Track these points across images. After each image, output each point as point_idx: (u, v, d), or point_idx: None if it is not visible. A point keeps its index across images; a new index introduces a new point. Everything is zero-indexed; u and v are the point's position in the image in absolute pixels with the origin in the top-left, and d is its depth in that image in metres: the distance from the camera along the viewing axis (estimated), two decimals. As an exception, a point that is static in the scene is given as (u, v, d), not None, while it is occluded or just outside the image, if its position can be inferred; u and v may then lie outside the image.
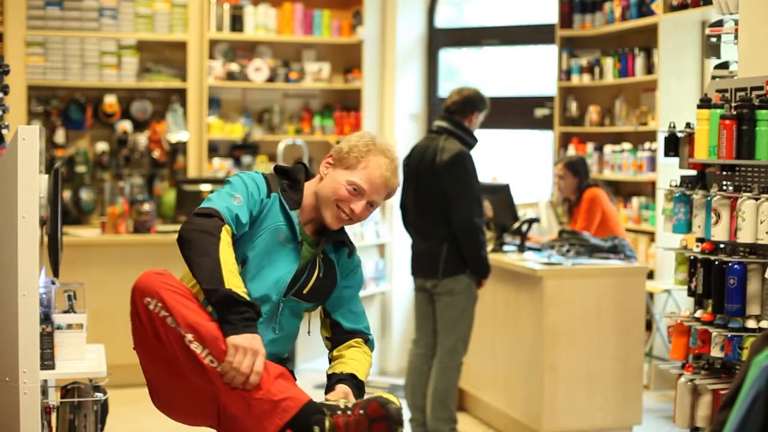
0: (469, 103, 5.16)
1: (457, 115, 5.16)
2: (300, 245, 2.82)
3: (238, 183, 2.78)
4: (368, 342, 2.92)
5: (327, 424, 2.53)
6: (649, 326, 6.47)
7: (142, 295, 2.56)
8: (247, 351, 2.51)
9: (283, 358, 2.90)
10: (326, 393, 2.77)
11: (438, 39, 8.11)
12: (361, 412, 2.55)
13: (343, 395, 2.69)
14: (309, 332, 2.98)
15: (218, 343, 2.53)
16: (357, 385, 2.77)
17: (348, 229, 3.05)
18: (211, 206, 2.68)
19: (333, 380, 2.79)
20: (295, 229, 2.81)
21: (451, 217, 5.03)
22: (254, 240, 2.76)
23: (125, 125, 7.46)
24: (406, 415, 5.36)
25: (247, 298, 2.58)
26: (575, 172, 6.28)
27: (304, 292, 2.84)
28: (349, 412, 2.55)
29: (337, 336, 2.91)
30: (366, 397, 2.62)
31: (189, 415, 2.83)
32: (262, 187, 2.81)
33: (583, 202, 6.20)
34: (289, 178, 2.88)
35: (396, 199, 6.28)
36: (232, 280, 2.57)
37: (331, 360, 2.91)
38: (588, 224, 6.11)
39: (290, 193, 2.84)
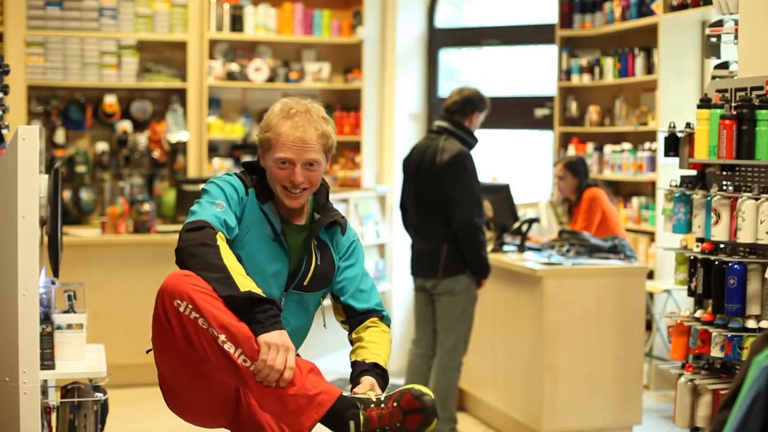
0: (469, 103, 5.16)
1: (458, 115, 5.16)
2: (283, 236, 2.82)
3: (214, 190, 2.77)
4: (384, 319, 2.90)
5: (362, 417, 2.54)
6: (649, 326, 6.47)
7: (172, 298, 2.54)
8: (279, 348, 2.52)
9: None
10: (351, 381, 2.77)
11: (438, 39, 8.11)
12: (395, 404, 2.54)
13: (370, 387, 2.68)
14: (325, 326, 2.98)
15: (251, 342, 2.53)
16: (380, 374, 2.76)
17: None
18: (197, 219, 2.68)
19: (356, 370, 2.78)
20: (272, 221, 2.81)
21: (451, 217, 5.04)
22: (242, 239, 2.76)
23: (125, 125, 7.46)
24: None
25: (266, 296, 2.59)
26: (575, 172, 6.28)
27: (305, 283, 2.84)
28: (382, 405, 2.55)
29: (351, 319, 2.90)
30: (400, 388, 2.62)
31: (203, 416, 2.82)
32: (239, 186, 2.81)
33: (583, 202, 6.20)
34: (258, 172, 2.88)
35: (396, 199, 6.28)
36: (245, 282, 2.58)
37: (351, 342, 2.89)
38: (588, 224, 6.11)
39: (260, 186, 2.85)
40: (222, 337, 2.52)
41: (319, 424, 2.58)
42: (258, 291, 2.58)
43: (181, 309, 2.53)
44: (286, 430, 2.80)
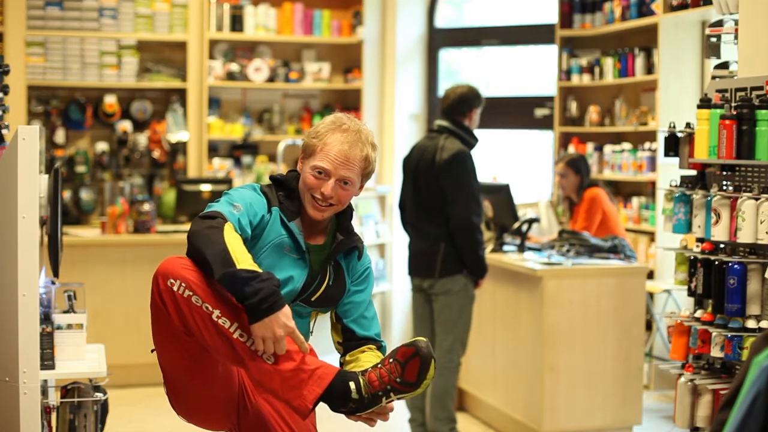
0: (466, 101, 5.16)
1: (457, 115, 5.16)
2: (307, 254, 2.80)
3: (237, 194, 2.76)
4: (381, 348, 2.89)
5: (361, 381, 2.54)
6: (649, 326, 6.47)
7: (165, 278, 2.54)
8: (270, 339, 2.48)
9: None
10: None
11: (438, 39, 8.11)
12: (391, 360, 2.55)
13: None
14: (311, 331, 2.96)
15: (244, 314, 2.52)
16: None
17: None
18: (212, 210, 2.67)
19: None
20: (297, 240, 2.78)
21: (450, 216, 5.03)
22: (259, 256, 2.73)
23: (125, 125, 7.46)
24: (405, 415, 5.36)
25: (257, 271, 2.52)
26: (577, 169, 6.28)
27: (313, 299, 2.82)
28: (379, 365, 2.56)
29: (348, 342, 2.87)
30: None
31: (208, 417, 2.80)
32: (262, 201, 2.78)
33: (584, 201, 6.20)
34: (285, 188, 2.86)
35: (396, 199, 6.28)
36: (241, 256, 2.53)
37: (342, 364, 2.87)
38: (589, 224, 6.11)
39: (287, 204, 2.82)
40: (216, 312, 2.51)
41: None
42: (252, 267, 2.52)
43: (175, 288, 2.52)
44: (294, 428, 2.80)
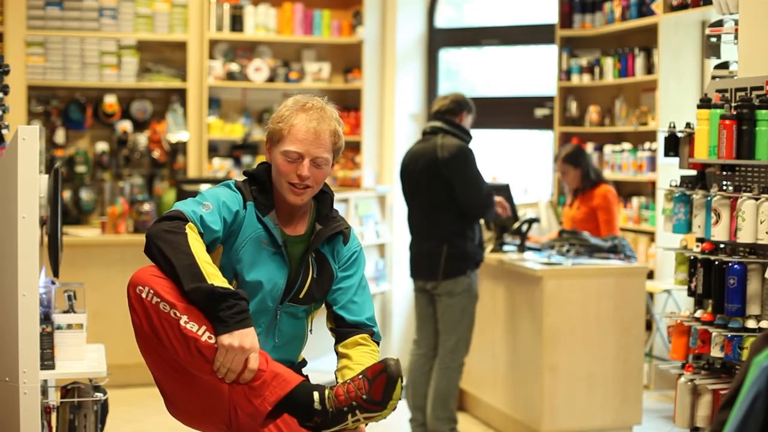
0: (458, 104, 5.21)
1: (449, 115, 5.18)
2: (284, 247, 2.77)
3: (208, 193, 2.74)
4: (374, 335, 2.83)
5: (327, 393, 2.52)
6: (649, 326, 6.47)
7: (135, 287, 2.56)
8: (236, 351, 2.48)
9: (296, 363, 2.87)
10: None
11: (438, 39, 8.11)
12: (360, 377, 2.53)
13: None
14: (311, 330, 2.94)
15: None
16: None
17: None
18: (173, 210, 2.65)
19: None
20: (273, 234, 2.76)
21: (459, 202, 5.04)
22: (239, 253, 2.72)
23: (125, 125, 7.46)
24: (407, 415, 5.36)
25: (232, 289, 2.54)
26: (575, 163, 6.27)
27: (300, 296, 2.80)
28: (348, 381, 2.54)
29: (340, 328, 2.83)
30: None
31: (201, 420, 2.79)
32: (237, 197, 2.75)
33: (596, 198, 6.19)
34: (257, 182, 2.83)
35: (396, 199, 6.28)
36: (210, 269, 2.54)
37: (338, 354, 2.83)
38: (610, 217, 6.12)
39: (260, 198, 2.79)
40: (185, 317, 2.50)
41: None
42: (223, 283, 2.54)
43: (143, 295, 2.53)
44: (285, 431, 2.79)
